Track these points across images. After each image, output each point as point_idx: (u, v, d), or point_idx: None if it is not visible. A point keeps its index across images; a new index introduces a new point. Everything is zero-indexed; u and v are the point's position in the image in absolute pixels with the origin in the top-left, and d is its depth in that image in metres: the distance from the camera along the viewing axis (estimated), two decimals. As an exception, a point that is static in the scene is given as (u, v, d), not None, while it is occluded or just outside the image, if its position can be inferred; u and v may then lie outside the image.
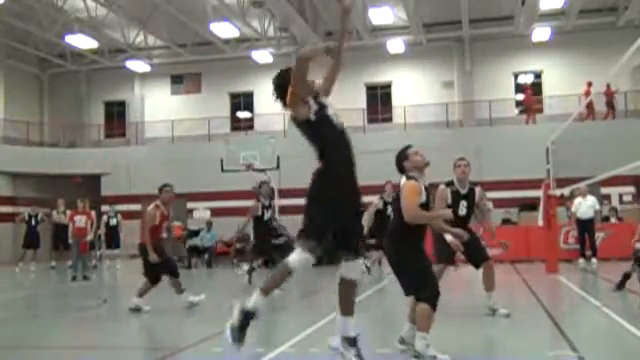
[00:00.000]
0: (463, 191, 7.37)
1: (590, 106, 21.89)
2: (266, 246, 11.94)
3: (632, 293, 9.32)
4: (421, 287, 5.24)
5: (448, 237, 7.09)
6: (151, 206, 9.25)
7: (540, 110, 24.48)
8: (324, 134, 4.86)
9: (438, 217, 5.55)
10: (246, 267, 18.92)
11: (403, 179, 5.48)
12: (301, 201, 5.05)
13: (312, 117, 4.84)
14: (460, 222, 7.31)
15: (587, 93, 21.56)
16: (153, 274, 9.11)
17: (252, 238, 12.31)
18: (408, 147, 5.61)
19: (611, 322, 7.03)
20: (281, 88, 4.93)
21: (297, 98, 4.81)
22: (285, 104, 4.93)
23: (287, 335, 6.73)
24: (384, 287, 11.51)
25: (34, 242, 19.09)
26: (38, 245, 19.14)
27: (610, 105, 22.32)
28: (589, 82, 21.32)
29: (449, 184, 7.43)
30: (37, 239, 19.15)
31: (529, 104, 23.45)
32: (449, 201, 7.32)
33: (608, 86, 21.84)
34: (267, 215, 11.66)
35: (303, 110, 4.84)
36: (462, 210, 7.33)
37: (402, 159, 5.53)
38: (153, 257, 8.97)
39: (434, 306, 5.19)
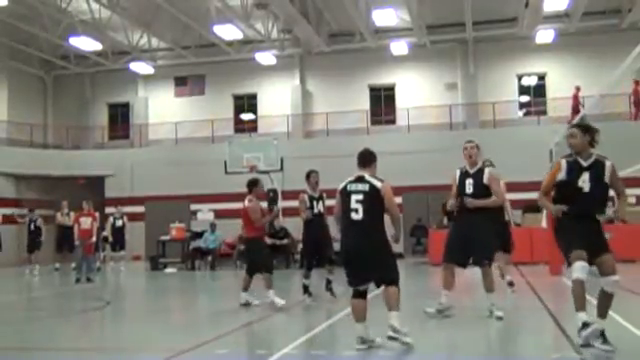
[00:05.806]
0: (471, 170, 7.65)
1: (638, 105, 21.70)
2: (310, 245, 10.02)
3: (633, 294, 9.30)
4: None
5: (450, 200, 7.68)
6: (246, 201, 9.66)
7: (544, 112, 24.46)
8: None
9: None
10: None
11: (378, 180, 6.08)
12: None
13: None
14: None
15: (636, 92, 21.41)
16: (259, 265, 9.37)
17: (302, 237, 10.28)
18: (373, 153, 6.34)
19: (614, 324, 6.99)
20: None
21: None
22: None
23: (290, 337, 6.73)
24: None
25: (36, 245, 19.06)
26: (39, 247, 19.10)
27: None
28: (637, 81, 21.08)
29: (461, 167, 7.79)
30: (39, 243, 19.13)
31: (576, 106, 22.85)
32: (457, 180, 7.66)
33: None
34: (317, 207, 9.92)
35: None
36: (469, 188, 7.57)
37: (375, 159, 6.30)
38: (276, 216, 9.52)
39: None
